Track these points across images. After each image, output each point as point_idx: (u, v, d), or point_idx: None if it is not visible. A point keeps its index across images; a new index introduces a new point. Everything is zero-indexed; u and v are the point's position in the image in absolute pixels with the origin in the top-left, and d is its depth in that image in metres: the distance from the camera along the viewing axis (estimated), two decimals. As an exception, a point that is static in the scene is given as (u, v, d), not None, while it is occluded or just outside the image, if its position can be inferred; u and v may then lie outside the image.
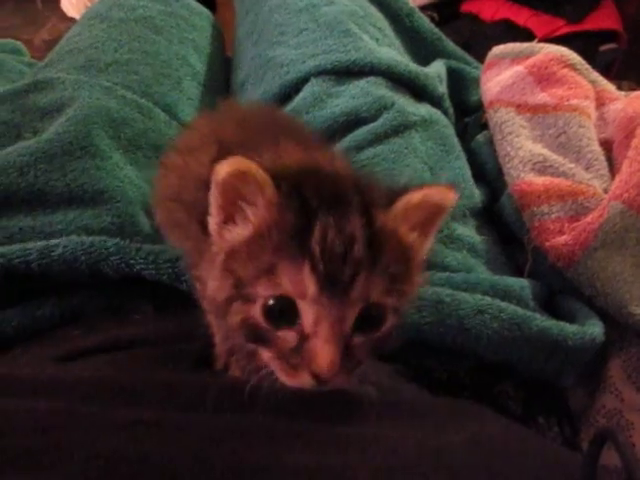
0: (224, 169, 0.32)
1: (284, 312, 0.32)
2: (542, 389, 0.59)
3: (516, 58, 0.81)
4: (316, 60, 0.73)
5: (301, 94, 0.71)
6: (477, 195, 0.69)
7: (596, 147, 0.68)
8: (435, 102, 0.78)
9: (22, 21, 1.87)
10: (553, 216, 0.62)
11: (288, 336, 0.33)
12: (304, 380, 0.32)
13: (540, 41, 1.37)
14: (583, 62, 0.79)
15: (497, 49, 0.84)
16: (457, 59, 0.94)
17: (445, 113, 0.80)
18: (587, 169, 0.67)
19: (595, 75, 0.79)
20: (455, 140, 0.74)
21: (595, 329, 0.54)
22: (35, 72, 0.79)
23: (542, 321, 0.51)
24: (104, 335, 0.47)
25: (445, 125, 0.75)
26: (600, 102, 0.76)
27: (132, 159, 0.64)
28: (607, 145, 0.71)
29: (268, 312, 0.32)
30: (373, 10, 0.87)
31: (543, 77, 0.75)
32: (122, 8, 0.83)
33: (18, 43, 1.03)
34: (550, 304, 0.63)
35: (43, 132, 0.64)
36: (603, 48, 1.43)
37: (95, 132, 0.62)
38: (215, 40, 0.92)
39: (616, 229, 0.58)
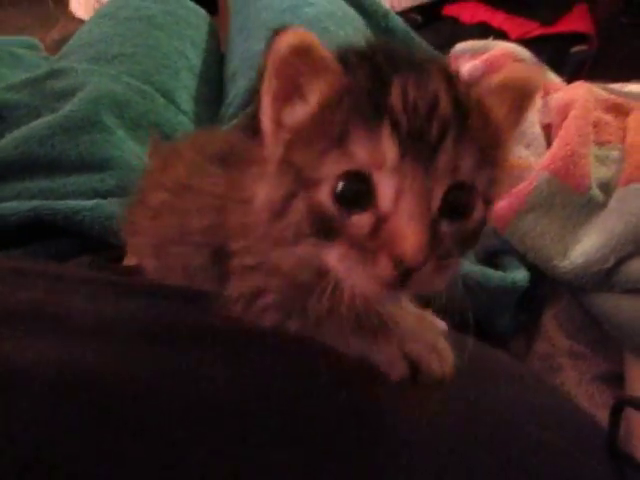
0: (284, 44, 0.28)
1: (358, 191, 0.27)
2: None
3: (474, 54, 0.91)
4: None
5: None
6: None
7: (536, 129, 0.79)
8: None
9: (34, 21, 1.99)
10: (493, 186, 0.72)
11: (362, 220, 0.27)
12: (384, 270, 0.26)
13: (515, 42, 1.48)
14: (532, 57, 0.89)
15: (459, 46, 0.95)
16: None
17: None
18: (527, 147, 0.77)
19: (544, 69, 0.90)
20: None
21: (517, 275, 0.64)
22: (51, 63, 0.91)
23: (468, 266, 0.61)
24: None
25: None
26: (546, 92, 0.86)
27: (134, 135, 0.75)
28: (549, 129, 0.81)
29: (338, 193, 0.27)
30: (351, 12, 0.98)
31: (494, 69, 0.86)
32: (128, 8, 0.94)
33: (35, 40, 1.15)
34: (491, 263, 0.74)
35: (59, 111, 0.75)
36: (574, 50, 1.53)
37: (103, 111, 0.73)
38: (210, 37, 1.03)
39: (544, 195, 0.69)
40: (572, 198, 0.69)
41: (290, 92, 0.29)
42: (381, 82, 0.27)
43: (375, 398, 0.31)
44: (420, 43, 1.05)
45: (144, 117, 0.78)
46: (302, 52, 0.28)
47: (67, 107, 0.74)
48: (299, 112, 0.29)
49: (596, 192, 0.71)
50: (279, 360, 0.31)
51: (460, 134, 0.27)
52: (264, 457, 0.26)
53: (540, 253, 0.68)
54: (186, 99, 0.88)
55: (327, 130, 0.27)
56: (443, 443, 0.31)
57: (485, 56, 0.88)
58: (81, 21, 1.74)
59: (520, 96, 0.31)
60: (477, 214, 0.29)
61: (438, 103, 0.27)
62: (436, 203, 0.27)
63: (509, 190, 0.72)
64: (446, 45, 1.12)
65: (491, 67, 0.86)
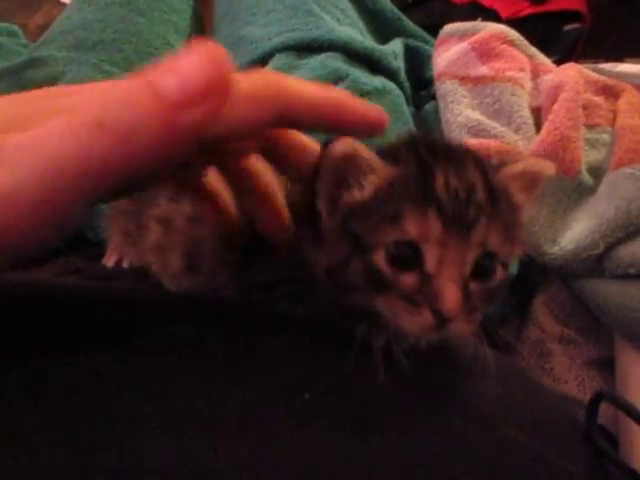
0: (337, 151, 0.33)
1: (407, 256, 0.33)
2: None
3: (463, 35, 0.89)
4: (281, 37, 0.82)
5: (267, 67, 0.80)
6: None
7: (525, 113, 0.77)
8: (390, 75, 0.87)
9: (17, 6, 1.94)
10: (482, 171, 0.71)
11: (409, 278, 0.33)
12: (426, 319, 0.32)
13: (506, 21, 1.46)
14: (522, 38, 0.88)
15: (447, 27, 0.93)
16: (416, 38, 1.02)
17: (400, 86, 0.89)
18: (516, 132, 0.76)
19: (533, 50, 0.88)
20: (405, 108, 0.83)
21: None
22: (30, 51, 0.89)
23: None
24: None
25: (397, 95, 0.84)
26: (535, 74, 0.85)
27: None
28: (539, 112, 0.80)
29: (392, 257, 0.33)
30: (337, -7, 0.96)
31: (484, 52, 0.84)
32: (108, -7, 0.92)
33: (14, 27, 1.12)
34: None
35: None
36: (567, 28, 1.51)
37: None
38: (195, 22, 1.01)
39: (533, 181, 0.68)
40: (562, 183, 0.69)
41: (342, 181, 0.35)
42: (425, 172, 0.34)
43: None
44: (408, 25, 1.03)
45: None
46: (350, 157, 0.34)
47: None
48: (356, 195, 0.35)
49: (586, 176, 0.70)
50: None
51: (491, 216, 0.34)
52: None
53: (529, 239, 0.68)
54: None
55: (383, 209, 0.34)
56: (411, 435, 0.31)
57: (474, 38, 0.87)
58: (65, 6, 1.70)
59: (532, 183, 0.38)
60: (498, 276, 0.36)
61: (475, 191, 0.34)
62: (469, 268, 0.34)
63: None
64: (436, 25, 1.10)
65: (481, 49, 0.85)
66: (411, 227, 0.33)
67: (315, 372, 0.34)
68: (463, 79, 0.83)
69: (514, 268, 0.65)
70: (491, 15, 1.43)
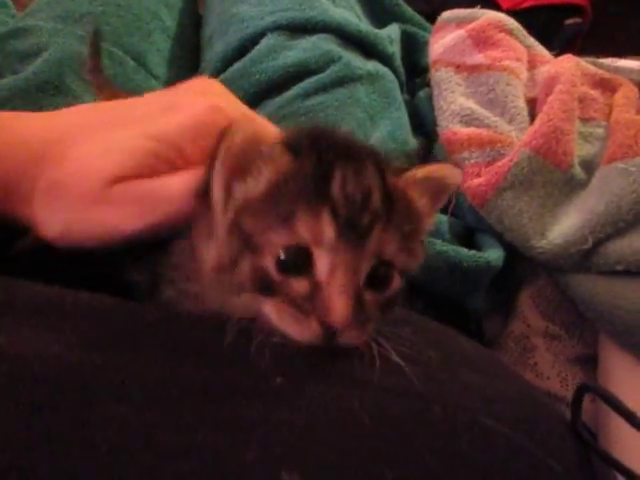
0: (236, 145, 0.33)
1: (297, 261, 0.32)
2: (453, 310, 0.68)
3: (460, 23, 0.88)
4: (273, 16, 0.80)
5: (257, 46, 0.78)
6: (412, 142, 0.76)
7: (520, 103, 0.76)
8: (384, 60, 0.85)
9: (11, -22, 1.91)
10: (472, 161, 0.70)
11: (300, 284, 0.32)
12: (313, 330, 0.31)
13: (506, 12, 1.44)
14: (520, 28, 0.86)
15: (445, 14, 0.91)
16: (413, 24, 1.00)
17: (395, 71, 0.87)
18: (510, 122, 0.74)
19: (531, 41, 0.87)
20: (398, 94, 0.82)
21: (492, 255, 0.63)
22: (16, 21, 0.86)
23: (441, 245, 0.60)
24: None
25: (391, 81, 0.83)
26: (532, 65, 0.83)
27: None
28: (533, 103, 0.79)
29: (281, 261, 0.32)
30: (334, -25, 0.93)
31: (481, 40, 0.83)
32: (99, -36, 0.89)
33: (4, -3, 1.09)
34: (469, 240, 0.72)
35: (21, 73, 0.71)
36: (568, 22, 1.49)
37: (67, 74, 0.69)
38: (186, -1, 0.99)
39: (524, 172, 0.66)
40: (553, 176, 0.67)
41: (240, 171, 0.34)
42: (323, 171, 0.32)
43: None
44: (406, 10, 1.01)
45: (113, 81, 0.74)
46: (252, 144, 0.33)
47: (29, 69, 0.70)
48: (250, 187, 0.33)
49: (578, 170, 0.69)
50: None
51: (387, 223, 0.33)
52: None
53: (518, 232, 0.67)
54: (158, 62, 0.84)
55: (275, 208, 0.32)
56: (387, 422, 0.31)
57: (471, 25, 0.85)
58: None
59: (438, 190, 0.38)
60: (394, 285, 0.35)
61: (371, 197, 0.32)
62: (363, 277, 0.33)
63: (489, 166, 0.69)
64: (436, 13, 1.08)
65: (478, 37, 0.83)
66: (303, 229, 0.31)
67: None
68: (458, 67, 0.82)
69: (500, 260, 0.64)
70: (491, 5, 1.40)
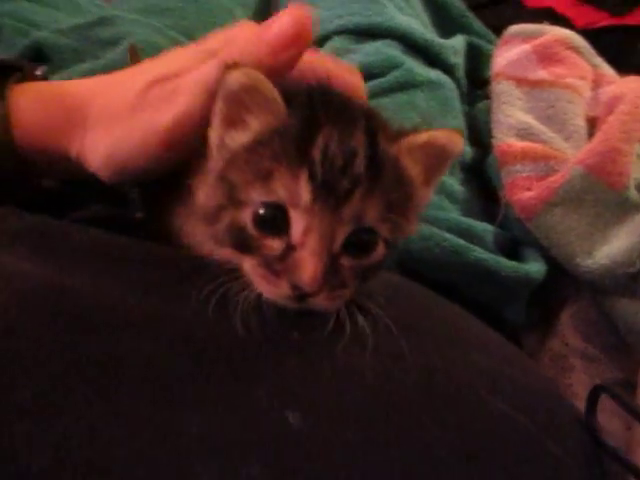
0: (236, 79, 0.32)
1: (274, 220, 0.32)
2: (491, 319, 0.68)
3: (527, 38, 0.88)
4: (341, 20, 0.82)
5: (322, 49, 0.80)
6: (468, 152, 0.77)
7: (579, 121, 0.75)
8: (447, 70, 0.86)
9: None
10: (524, 174, 0.70)
11: (275, 244, 0.32)
12: (283, 290, 0.32)
13: (579, 31, 1.42)
14: (588, 46, 0.85)
15: (512, 28, 0.91)
16: (480, 36, 1.01)
17: (457, 81, 0.88)
18: (567, 139, 0.74)
19: (599, 60, 0.86)
20: (457, 103, 0.83)
21: (532, 267, 0.63)
22: (101, 10, 0.93)
23: (480, 253, 0.60)
24: None
25: (451, 90, 0.84)
26: (597, 84, 0.82)
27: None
28: (595, 122, 0.78)
29: (258, 218, 0.32)
30: (404, -16, 0.95)
31: (546, 56, 0.82)
32: (182, -38, 0.95)
33: (93, -13, 1.17)
34: (514, 252, 0.72)
35: (101, 59, 0.76)
36: (644, 44, 1.45)
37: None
38: (261, -1, 1.03)
39: (575, 190, 0.66)
40: (606, 196, 0.67)
41: (235, 119, 0.34)
42: (309, 130, 0.32)
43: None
44: (474, 22, 1.01)
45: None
46: (250, 89, 0.33)
47: (108, 55, 0.75)
48: (239, 138, 0.34)
49: (633, 192, 0.68)
50: None
51: (369, 189, 0.32)
52: None
53: (564, 249, 0.66)
54: (227, 56, 0.89)
55: (256, 163, 0.32)
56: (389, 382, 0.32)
57: (537, 41, 0.85)
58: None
59: (437, 158, 0.37)
60: (377, 254, 0.34)
61: (354, 161, 0.31)
62: (339, 242, 0.32)
63: (541, 180, 0.69)
64: (504, 27, 1.07)
65: (543, 53, 0.83)
66: (280, 189, 0.31)
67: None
68: (520, 81, 0.82)
69: (540, 274, 0.64)
70: (563, 23, 1.38)
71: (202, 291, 0.32)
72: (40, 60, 0.81)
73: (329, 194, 0.31)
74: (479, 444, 0.31)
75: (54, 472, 0.24)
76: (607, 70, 0.85)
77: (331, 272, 0.32)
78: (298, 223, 0.32)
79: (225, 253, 0.35)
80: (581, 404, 0.69)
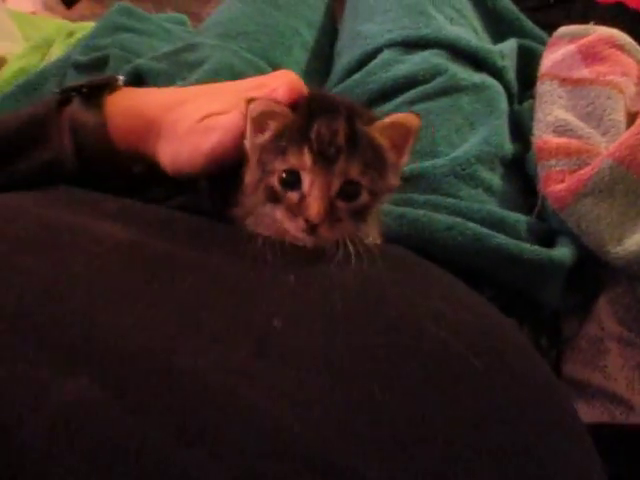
0: (255, 107, 0.49)
1: (292, 179, 0.47)
2: (525, 303, 0.74)
3: (573, 38, 0.91)
4: (392, 34, 0.91)
5: (374, 60, 0.90)
6: (508, 148, 0.82)
7: (617, 117, 0.79)
8: (495, 73, 0.92)
9: (194, -3, 2.24)
10: (558, 168, 0.75)
11: (293, 196, 0.47)
12: (300, 224, 0.46)
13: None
14: (633, 43, 0.87)
15: (561, 30, 0.95)
16: (533, 38, 1.05)
17: (506, 84, 0.93)
18: (604, 134, 0.78)
19: (647, 56, 0.88)
20: (502, 104, 0.88)
21: (557, 252, 0.68)
22: (189, 37, 1.08)
23: (502, 239, 0.66)
24: None
25: (497, 92, 0.89)
26: (642, 79, 0.85)
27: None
28: (637, 116, 0.81)
29: (282, 180, 0.47)
30: (456, -8, 1.02)
31: (589, 55, 0.86)
32: (254, -9, 1.08)
33: (184, 16, 1.34)
34: (553, 242, 0.77)
35: (187, 80, 0.91)
36: None
37: (221, 80, 0.88)
38: (326, 17, 1.14)
39: (605, 181, 0.70)
40: (637, 187, 0.70)
41: (259, 127, 0.50)
42: (307, 121, 0.47)
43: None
44: (527, 25, 1.06)
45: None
46: (266, 110, 0.49)
47: (193, 76, 0.89)
48: (263, 137, 0.50)
49: (666, 183, 0.71)
50: None
51: (350, 154, 0.47)
52: None
53: (594, 237, 0.71)
54: (296, 72, 1.00)
55: (278, 146, 0.48)
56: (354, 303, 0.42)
57: (582, 41, 0.88)
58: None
59: (402, 134, 0.50)
60: (362, 199, 0.48)
61: (337, 137, 0.46)
62: (334, 190, 0.47)
63: (573, 173, 0.74)
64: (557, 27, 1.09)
65: (587, 52, 0.87)
66: (293, 159, 0.46)
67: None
68: (564, 80, 0.86)
69: (566, 257, 0.68)
70: (636, 18, 1.36)
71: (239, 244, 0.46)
72: (139, 83, 0.97)
73: (323, 159, 0.46)
74: (405, 355, 0.38)
75: None
76: (655, 65, 0.86)
77: (330, 211, 0.46)
78: (306, 179, 0.46)
79: (264, 209, 0.50)
80: (613, 384, 0.73)
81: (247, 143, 0.51)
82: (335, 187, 0.47)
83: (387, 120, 0.50)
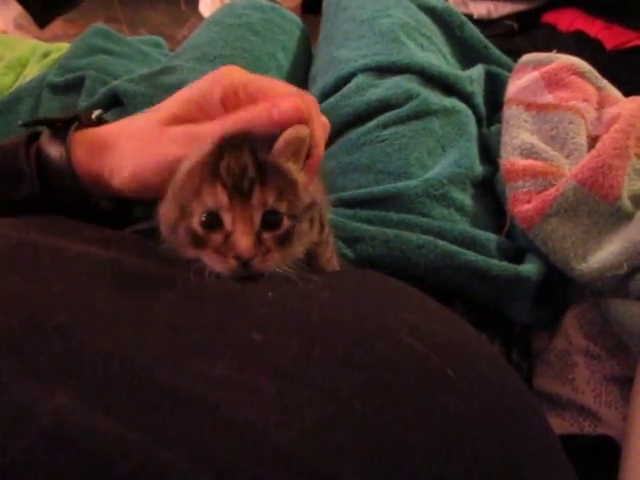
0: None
1: (213, 221, 0.45)
2: (496, 319, 0.76)
3: (537, 65, 0.96)
4: (365, 60, 0.94)
5: (348, 85, 0.92)
6: (479, 170, 0.86)
7: (580, 140, 0.83)
8: (464, 98, 0.96)
9: (169, 20, 2.26)
10: (525, 189, 0.79)
11: (217, 237, 0.46)
12: (231, 263, 0.45)
13: (610, 52, 1.47)
14: (593, 71, 0.92)
15: (525, 57, 1.00)
16: (500, 65, 1.10)
17: (475, 108, 0.97)
18: (567, 157, 0.82)
19: (604, 83, 0.93)
20: (471, 128, 0.92)
21: (524, 268, 0.71)
22: (166, 61, 1.09)
23: (470, 256, 0.69)
24: None
25: (466, 115, 0.93)
26: (602, 105, 0.89)
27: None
28: (596, 140, 0.85)
29: (202, 222, 0.46)
30: (426, 21, 1.06)
31: (552, 81, 0.91)
32: (232, 16, 1.10)
33: (160, 39, 1.35)
34: (520, 259, 0.80)
35: (165, 102, 0.92)
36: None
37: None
38: (301, 42, 1.17)
39: (569, 202, 0.74)
40: (598, 207, 0.74)
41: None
42: (217, 158, 0.46)
43: None
44: (494, 52, 1.10)
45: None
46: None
47: (171, 98, 0.91)
48: (182, 171, 0.48)
49: (626, 203, 0.75)
50: None
51: (263, 185, 0.46)
52: None
53: (560, 255, 0.74)
54: (271, 95, 1.02)
55: (191, 186, 0.46)
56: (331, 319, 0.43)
57: (545, 68, 0.93)
58: (207, 20, 1.95)
59: (297, 147, 0.49)
60: (285, 225, 0.48)
61: (247, 169, 0.46)
62: (257, 222, 0.46)
63: (539, 194, 0.78)
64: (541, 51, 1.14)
65: (550, 79, 0.92)
66: (208, 199, 0.45)
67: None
68: (529, 105, 0.90)
69: (532, 273, 0.71)
70: (595, 46, 1.44)
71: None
72: (116, 104, 0.98)
73: (239, 194, 0.45)
74: (383, 364, 0.39)
75: None
76: (613, 92, 0.91)
77: (258, 242, 0.46)
78: (227, 217, 0.45)
79: (189, 252, 0.48)
80: (582, 397, 0.76)
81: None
82: (257, 219, 0.46)
83: (280, 140, 0.49)
